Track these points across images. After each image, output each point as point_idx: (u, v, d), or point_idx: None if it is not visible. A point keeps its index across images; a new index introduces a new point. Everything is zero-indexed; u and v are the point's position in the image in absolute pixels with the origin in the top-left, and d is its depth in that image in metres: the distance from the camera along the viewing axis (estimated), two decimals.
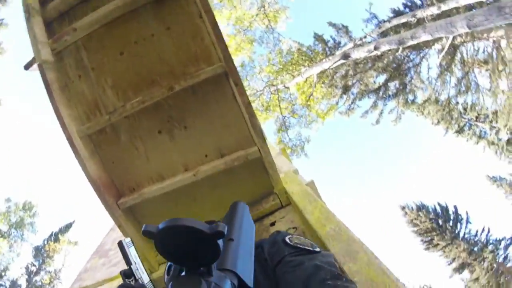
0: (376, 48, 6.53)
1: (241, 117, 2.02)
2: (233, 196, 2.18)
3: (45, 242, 18.30)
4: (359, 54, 7.64)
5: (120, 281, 2.27)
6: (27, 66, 1.90)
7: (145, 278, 1.08)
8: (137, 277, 1.05)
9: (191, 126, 2.01)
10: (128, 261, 1.08)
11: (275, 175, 2.08)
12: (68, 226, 19.13)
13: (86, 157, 1.82)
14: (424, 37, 4.74)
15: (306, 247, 0.75)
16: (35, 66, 1.82)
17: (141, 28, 1.86)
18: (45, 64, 1.73)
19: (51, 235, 18.60)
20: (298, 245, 0.75)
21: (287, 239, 0.78)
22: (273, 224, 2.04)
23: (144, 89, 1.91)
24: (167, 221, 0.42)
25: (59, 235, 18.46)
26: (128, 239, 1.28)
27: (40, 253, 17.93)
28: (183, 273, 0.46)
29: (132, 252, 1.20)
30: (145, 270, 1.16)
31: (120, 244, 1.19)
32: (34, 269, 17.29)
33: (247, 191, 2.21)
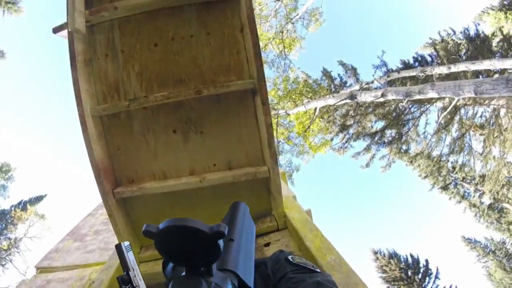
0: (383, 95, 6.74)
1: (257, 134, 2.02)
2: None
3: (12, 208, 17.41)
4: (365, 97, 7.86)
5: (95, 270, 2.16)
6: (56, 30, 1.85)
7: (142, 286, 1.01)
8: (134, 285, 0.98)
9: (207, 132, 1.98)
10: (126, 267, 1.02)
11: (278, 198, 2.07)
12: (39, 198, 18.28)
13: (94, 138, 1.76)
14: (431, 94, 4.94)
15: (308, 266, 0.76)
16: (64, 32, 1.78)
17: (182, 26, 1.86)
18: (76, 34, 1.70)
19: (20, 202, 17.73)
20: (301, 264, 0.77)
21: (289, 258, 0.79)
22: (267, 244, 2.01)
23: (170, 85, 1.89)
24: (168, 221, 0.42)
25: (28, 205, 17.58)
26: (127, 243, 1.22)
27: (5, 218, 16.99)
28: (183, 273, 0.46)
29: (130, 257, 1.14)
30: (142, 277, 1.09)
31: (119, 248, 1.13)
32: None
33: None
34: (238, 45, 1.87)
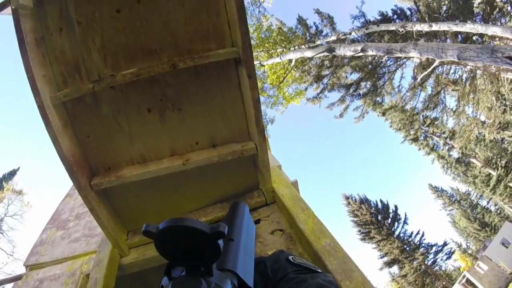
0: (363, 51, 6.59)
1: (242, 109, 1.87)
2: (218, 187, 2.08)
3: None
4: (344, 51, 7.66)
5: (85, 261, 2.09)
6: None
7: None
8: None
9: (186, 109, 1.81)
10: None
11: (266, 174, 2.01)
12: (12, 173, 17.35)
13: (59, 130, 1.54)
14: (413, 54, 4.88)
15: (309, 267, 0.77)
16: (8, 9, 1.44)
17: None
18: (21, 10, 1.38)
19: None
20: (302, 264, 0.77)
21: (290, 258, 0.79)
22: (257, 221, 2.00)
23: (140, 58, 1.65)
24: (168, 221, 0.42)
25: (3, 182, 16.67)
26: None
27: None
28: (183, 273, 0.46)
29: None
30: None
31: None
32: None
33: (233, 184, 2.12)
34: (217, 6, 1.61)
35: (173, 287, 0.43)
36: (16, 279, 2.20)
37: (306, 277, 0.70)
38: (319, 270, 0.76)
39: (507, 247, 17.34)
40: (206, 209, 2.05)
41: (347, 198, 17.40)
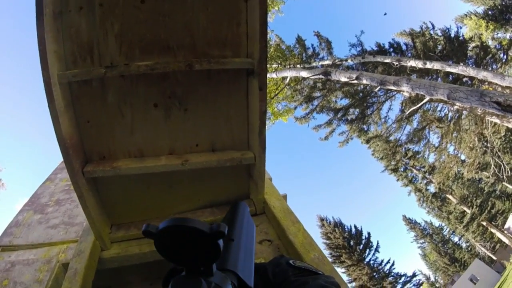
0: (357, 79, 6.83)
1: (246, 118, 1.90)
2: (210, 191, 2.08)
3: None
4: (339, 76, 7.91)
5: (62, 249, 1.97)
6: None
7: None
8: None
9: (192, 110, 1.81)
10: None
11: (260, 185, 2.02)
12: None
13: (61, 110, 1.50)
14: (405, 88, 5.12)
15: (310, 269, 0.77)
16: None
17: None
18: None
19: None
20: (302, 267, 0.77)
21: (291, 262, 0.80)
22: None
23: (155, 53, 1.64)
24: (168, 221, 0.41)
25: None
26: None
27: None
28: (183, 273, 0.46)
29: None
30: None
31: None
32: None
33: (225, 190, 2.12)
34: (239, 17, 1.65)
35: (173, 287, 0.43)
36: None
37: (308, 279, 0.70)
38: (320, 272, 0.77)
39: (475, 283, 17.96)
40: (196, 212, 2.02)
41: (322, 219, 17.55)
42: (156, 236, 0.42)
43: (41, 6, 1.36)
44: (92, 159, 1.77)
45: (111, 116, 1.71)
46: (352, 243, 15.74)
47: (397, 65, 8.01)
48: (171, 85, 1.72)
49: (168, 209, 1.99)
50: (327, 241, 16.87)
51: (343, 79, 8.36)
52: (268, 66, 11.87)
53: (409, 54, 8.88)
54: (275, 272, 0.77)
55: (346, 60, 11.56)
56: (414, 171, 10.90)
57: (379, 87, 6.87)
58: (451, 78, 7.67)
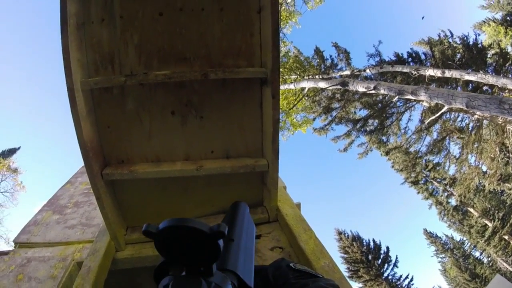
0: (375, 89, 6.75)
1: (260, 126, 1.93)
2: (224, 197, 2.10)
3: None
4: (357, 87, 7.83)
5: (78, 249, 2.06)
6: None
7: None
8: None
9: (208, 117, 1.86)
10: None
11: (273, 192, 2.03)
12: (12, 151, 17.22)
13: (83, 115, 1.59)
14: (423, 97, 5.01)
15: (310, 272, 0.77)
16: None
17: None
18: None
19: None
20: (302, 270, 0.77)
21: (291, 265, 0.79)
22: (258, 237, 2.00)
23: (172, 63, 1.72)
24: (168, 221, 0.41)
25: (0, 158, 16.55)
26: None
27: None
28: (183, 273, 0.45)
29: None
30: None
31: None
32: None
33: (239, 197, 2.12)
34: (252, 28, 1.71)
35: (173, 287, 0.43)
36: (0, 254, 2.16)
37: (308, 281, 0.70)
38: (320, 275, 0.77)
39: None
40: (209, 218, 2.05)
41: (340, 233, 17.06)
42: (156, 236, 0.42)
43: (65, 17, 1.47)
44: (111, 162, 1.85)
45: (130, 122, 1.80)
46: (370, 258, 15.16)
47: (415, 74, 7.85)
48: (187, 94, 1.79)
49: (182, 214, 2.03)
50: (345, 255, 16.32)
51: (361, 89, 8.27)
52: (287, 77, 11.95)
53: (428, 63, 8.70)
54: (275, 275, 0.78)
55: (364, 71, 11.44)
56: (435, 183, 10.48)
57: (397, 97, 6.75)
58: (470, 87, 7.42)
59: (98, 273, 1.60)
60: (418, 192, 11.40)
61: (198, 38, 1.70)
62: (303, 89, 11.38)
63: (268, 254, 1.79)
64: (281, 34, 12.30)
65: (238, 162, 1.88)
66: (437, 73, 7.06)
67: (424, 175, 10.60)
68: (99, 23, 1.67)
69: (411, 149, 9.97)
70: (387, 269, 13.94)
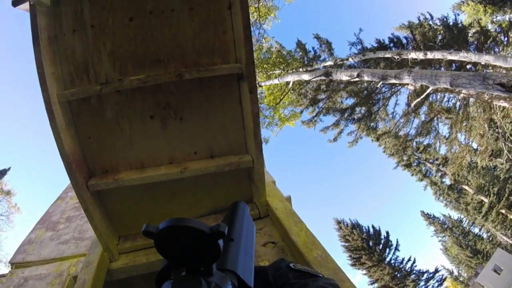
0: (359, 76, 6.81)
1: (241, 121, 1.94)
2: (212, 198, 2.10)
3: None
4: (340, 76, 7.89)
5: (73, 263, 2.04)
6: (16, 3, 1.57)
7: None
8: None
9: (188, 119, 1.86)
10: None
11: (261, 187, 2.04)
12: (2, 172, 16.83)
13: (63, 128, 1.57)
14: (407, 80, 5.07)
15: (310, 272, 0.77)
16: (26, 5, 1.51)
17: None
18: (39, 6, 1.44)
19: None
20: (302, 270, 0.77)
21: (291, 265, 0.79)
22: None
23: (147, 66, 1.71)
24: (168, 221, 0.41)
25: None
26: None
27: None
28: (183, 273, 0.46)
29: None
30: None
31: None
32: None
33: (227, 196, 2.14)
34: (224, 24, 1.71)
35: (173, 287, 0.43)
36: None
37: (307, 281, 0.71)
38: (321, 275, 0.77)
39: (499, 274, 17.14)
40: (200, 219, 2.05)
41: (338, 222, 17.21)
42: (156, 236, 0.42)
43: (36, 31, 1.45)
44: (95, 173, 1.83)
45: (111, 130, 1.78)
46: (371, 244, 15.35)
47: (398, 59, 7.95)
48: (165, 96, 1.78)
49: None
50: (346, 244, 16.50)
51: (345, 78, 8.33)
52: (271, 72, 11.94)
53: (410, 47, 8.82)
54: (275, 276, 0.78)
55: (347, 60, 11.53)
56: (428, 164, 10.65)
57: (381, 82, 6.82)
58: (454, 67, 7.56)
59: (93, 285, 1.59)
60: (412, 175, 11.57)
61: (170, 39, 1.69)
62: (288, 83, 11.40)
63: (261, 250, 1.80)
64: (261, 30, 12.29)
65: (223, 161, 1.88)
66: (419, 55, 7.16)
67: (416, 157, 10.75)
68: (71, 35, 1.65)
69: (401, 133, 10.11)
70: (389, 253, 14.15)
